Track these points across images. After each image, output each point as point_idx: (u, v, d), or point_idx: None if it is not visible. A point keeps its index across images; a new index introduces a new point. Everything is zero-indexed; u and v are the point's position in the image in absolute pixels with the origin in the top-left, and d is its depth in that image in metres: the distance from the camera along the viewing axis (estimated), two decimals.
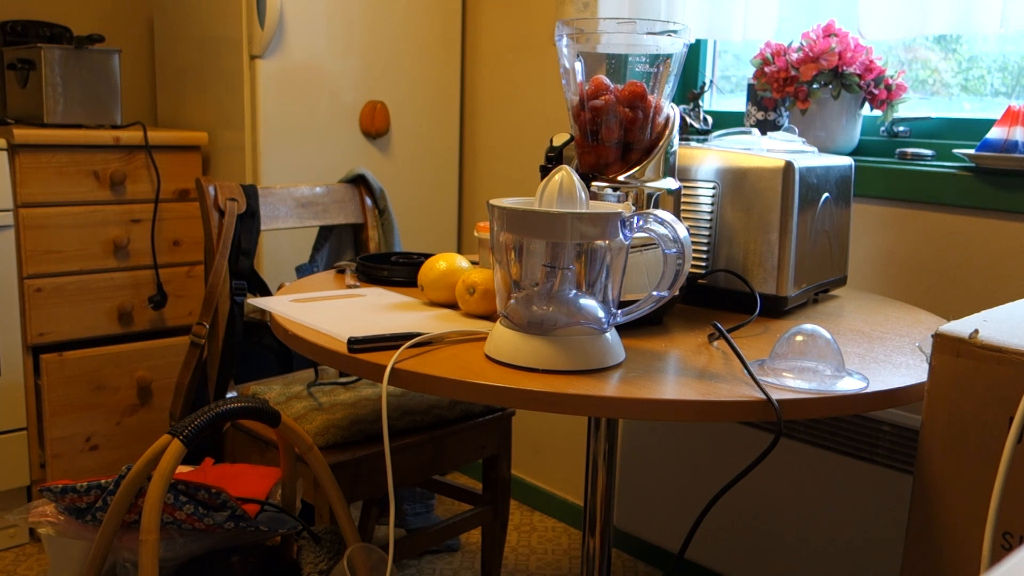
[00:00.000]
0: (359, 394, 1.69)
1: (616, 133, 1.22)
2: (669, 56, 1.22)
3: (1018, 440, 0.82)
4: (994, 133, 1.53)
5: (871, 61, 1.71)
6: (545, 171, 1.28)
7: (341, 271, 1.62)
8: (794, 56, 1.75)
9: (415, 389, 1.02)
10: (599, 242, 1.02)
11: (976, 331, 0.87)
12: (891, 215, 1.69)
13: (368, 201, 2.03)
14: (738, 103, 2.10)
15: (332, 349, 1.09)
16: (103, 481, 1.19)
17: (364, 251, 2.01)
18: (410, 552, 1.75)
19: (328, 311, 1.28)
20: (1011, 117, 1.52)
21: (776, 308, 1.33)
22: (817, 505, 1.69)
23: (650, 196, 1.23)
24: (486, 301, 1.25)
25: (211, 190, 1.75)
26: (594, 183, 1.22)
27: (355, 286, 1.49)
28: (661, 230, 1.01)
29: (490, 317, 1.27)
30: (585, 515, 1.41)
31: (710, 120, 1.60)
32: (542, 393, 0.95)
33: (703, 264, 1.37)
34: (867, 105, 1.76)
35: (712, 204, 1.36)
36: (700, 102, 1.62)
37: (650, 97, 1.22)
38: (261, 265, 2.18)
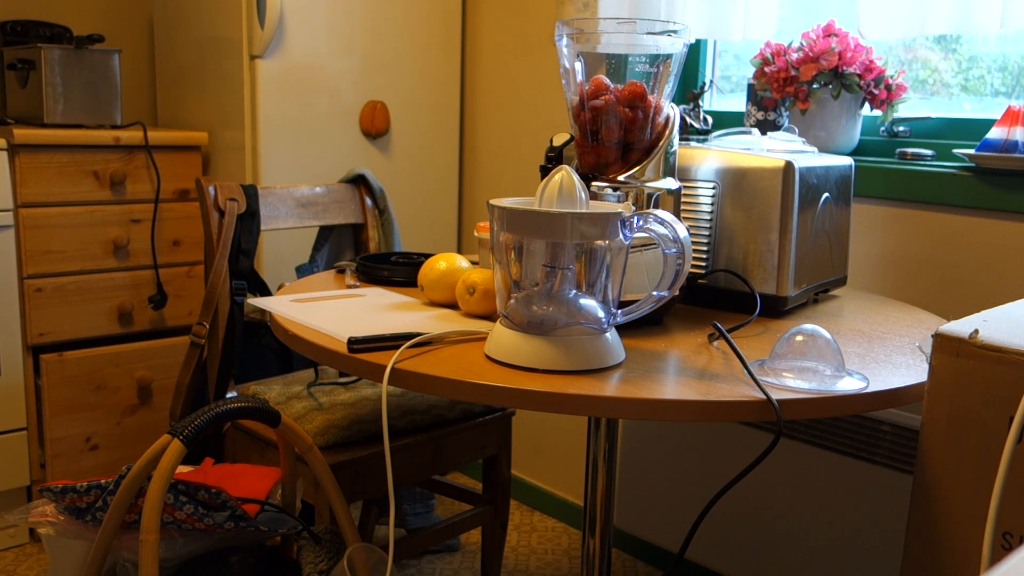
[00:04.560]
0: (359, 394, 1.69)
1: (616, 133, 1.22)
2: (669, 56, 1.22)
3: (1018, 440, 0.82)
4: (994, 133, 1.53)
5: (871, 61, 1.71)
6: (545, 171, 1.28)
7: (341, 271, 1.62)
8: (794, 56, 1.75)
9: (415, 389, 1.02)
10: (599, 242, 1.02)
11: (976, 331, 0.87)
12: (891, 215, 1.69)
13: (368, 201, 2.03)
14: (738, 103, 2.10)
15: (332, 349, 1.09)
16: (103, 481, 1.19)
17: (364, 251, 2.01)
18: (410, 552, 1.75)
19: (328, 311, 1.28)
20: (1011, 117, 1.52)
21: (776, 308, 1.33)
22: (817, 505, 1.69)
23: (650, 196, 1.23)
24: (486, 301, 1.25)
25: (211, 190, 1.75)
26: (594, 183, 1.22)
27: (355, 286, 1.49)
28: (661, 230, 1.01)
29: (490, 317, 1.27)
30: (585, 515, 1.41)
31: (710, 120, 1.60)
32: (542, 393, 0.95)
33: (703, 264, 1.37)
34: (867, 105, 1.76)
35: (712, 204, 1.36)
36: (700, 102, 1.62)
37: (650, 97, 1.22)
38: (261, 265, 2.18)
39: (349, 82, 2.27)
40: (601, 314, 1.05)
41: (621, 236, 1.02)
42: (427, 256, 1.54)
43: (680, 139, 1.36)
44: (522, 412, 2.49)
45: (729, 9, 1.87)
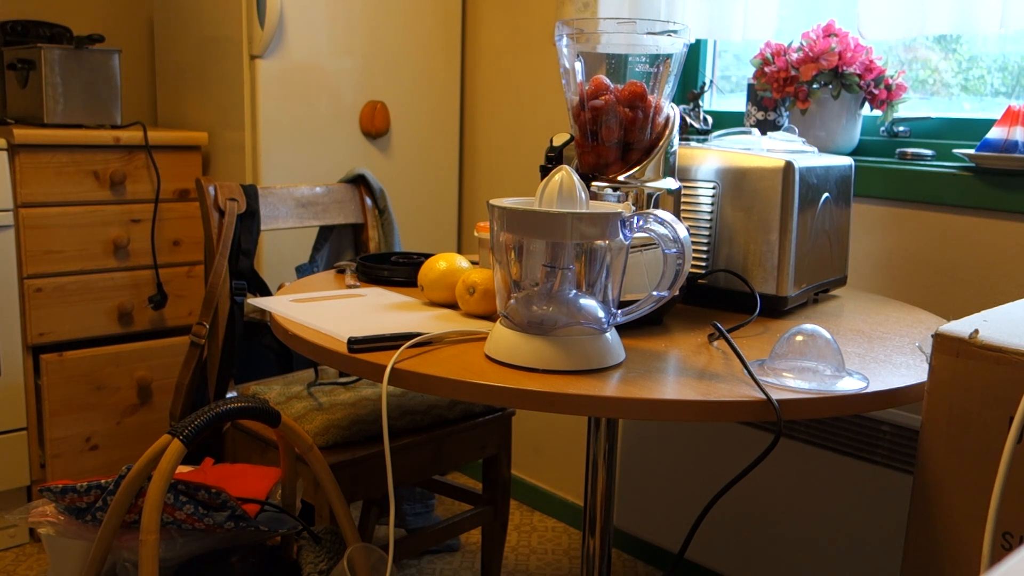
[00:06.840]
0: (359, 394, 1.69)
1: (616, 133, 1.22)
2: (669, 56, 1.22)
3: (1018, 440, 0.82)
4: (994, 133, 1.53)
5: (871, 61, 1.71)
6: (545, 171, 1.28)
7: (341, 271, 1.62)
8: (794, 56, 1.75)
9: (415, 389, 1.02)
10: (599, 242, 1.02)
11: (976, 331, 0.87)
12: (891, 215, 1.69)
13: (368, 201, 2.03)
14: (738, 103, 2.10)
15: (332, 349, 1.09)
16: (103, 481, 1.19)
17: (364, 251, 2.01)
18: (410, 552, 1.75)
19: (328, 311, 1.28)
20: (1011, 117, 1.52)
21: (776, 308, 1.33)
22: (817, 505, 1.69)
23: (650, 196, 1.23)
24: (486, 301, 1.25)
25: (211, 190, 1.75)
26: (594, 183, 1.22)
27: (355, 286, 1.49)
28: (661, 230, 1.01)
29: (490, 317, 1.27)
30: (585, 515, 1.41)
31: (710, 120, 1.60)
32: (542, 393, 0.95)
33: (703, 264, 1.37)
34: (867, 105, 1.76)
35: (712, 204, 1.36)
36: (700, 102, 1.62)
37: (650, 97, 1.22)
38: (261, 265, 2.18)
39: (349, 82, 2.27)
40: (601, 314, 1.05)
41: (621, 236, 1.02)
42: (427, 256, 1.54)
43: (680, 139, 1.36)
44: (522, 412, 2.49)
45: (729, 9, 1.87)
